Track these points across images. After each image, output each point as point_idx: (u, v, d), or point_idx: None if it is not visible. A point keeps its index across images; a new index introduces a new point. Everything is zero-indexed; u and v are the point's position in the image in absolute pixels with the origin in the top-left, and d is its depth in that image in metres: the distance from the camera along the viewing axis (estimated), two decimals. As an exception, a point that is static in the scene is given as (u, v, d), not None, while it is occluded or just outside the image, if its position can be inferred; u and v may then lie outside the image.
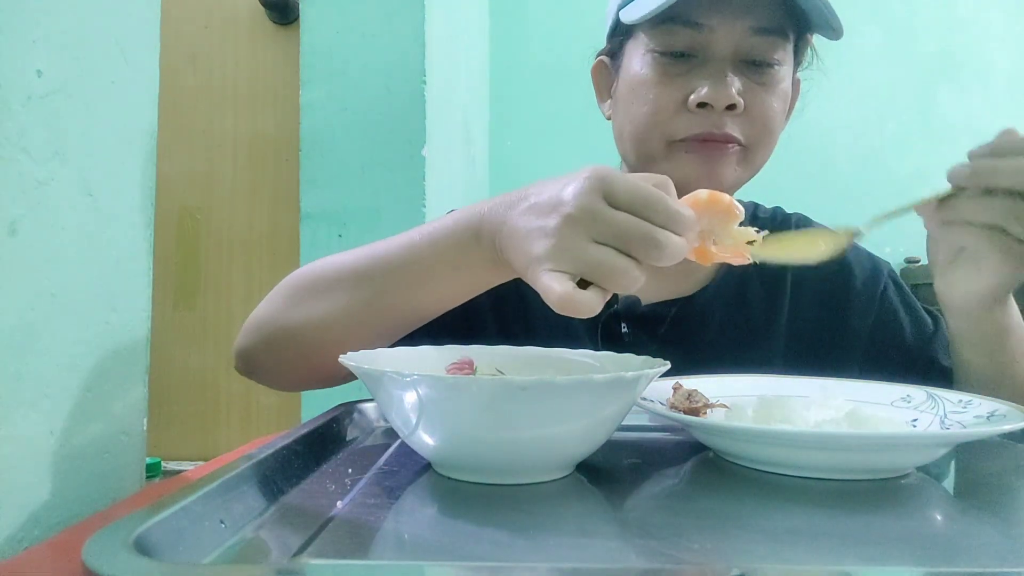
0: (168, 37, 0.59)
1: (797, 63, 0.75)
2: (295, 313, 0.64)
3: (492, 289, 0.70)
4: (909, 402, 0.54)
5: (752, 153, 0.70)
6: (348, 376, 0.66)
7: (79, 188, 0.46)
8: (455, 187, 1.68)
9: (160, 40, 0.56)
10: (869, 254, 0.82)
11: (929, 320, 0.78)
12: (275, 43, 1.56)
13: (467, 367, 0.54)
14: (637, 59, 0.71)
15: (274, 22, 1.55)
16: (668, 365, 0.46)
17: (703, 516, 0.38)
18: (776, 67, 0.69)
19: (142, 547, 0.28)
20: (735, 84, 0.66)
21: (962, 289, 0.61)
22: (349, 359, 0.45)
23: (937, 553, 0.33)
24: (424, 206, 1.33)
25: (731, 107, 0.66)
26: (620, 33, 0.75)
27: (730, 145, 0.68)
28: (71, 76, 0.45)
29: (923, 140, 2.36)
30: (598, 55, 0.80)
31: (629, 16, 0.69)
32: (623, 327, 0.75)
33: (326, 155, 1.36)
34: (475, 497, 0.40)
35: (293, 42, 1.47)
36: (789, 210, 0.87)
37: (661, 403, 0.52)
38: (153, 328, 0.55)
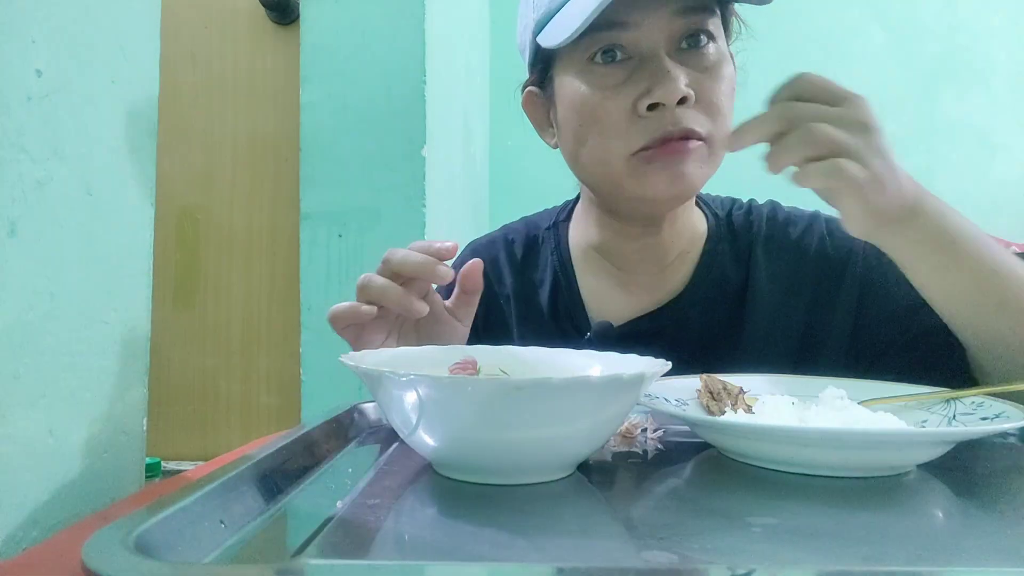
0: (168, 37, 0.59)
1: (728, 36, 0.71)
2: None
3: (481, 319, 0.77)
4: (923, 403, 0.54)
5: (714, 144, 0.66)
6: None
7: (79, 188, 0.46)
8: (455, 187, 1.68)
9: (160, 40, 0.56)
10: (845, 239, 0.75)
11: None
12: (275, 43, 1.56)
13: (470, 367, 0.54)
14: (570, 79, 0.67)
15: (274, 22, 1.55)
16: (669, 365, 0.46)
17: (704, 515, 0.38)
18: (712, 45, 0.66)
19: (142, 547, 0.28)
20: (681, 76, 0.62)
21: (849, 223, 0.56)
22: (349, 359, 0.45)
23: (938, 552, 0.32)
24: (424, 206, 1.34)
25: (683, 100, 0.62)
26: (542, 60, 0.71)
27: (691, 142, 0.64)
28: (71, 76, 0.45)
29: (924, 140, 2.36)
30: (524, 87, 0.76)
31: (551, 41, 0.65)
32: None
33: (326, 155, 1.36)
34: (475, 497, 0.40)
35: (293, 42, 1.47)
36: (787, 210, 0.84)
37: (665, 399, 0.53)
38: (153, 328, 0.55)
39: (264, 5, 1.53)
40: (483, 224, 2.00)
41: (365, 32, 1.35)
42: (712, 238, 0.78)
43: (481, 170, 2.11)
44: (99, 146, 0.48)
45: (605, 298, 0.77)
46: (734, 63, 0.72)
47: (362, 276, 0.59)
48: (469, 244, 0.88)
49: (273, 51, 1.55)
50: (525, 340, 0.75)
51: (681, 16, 0.64)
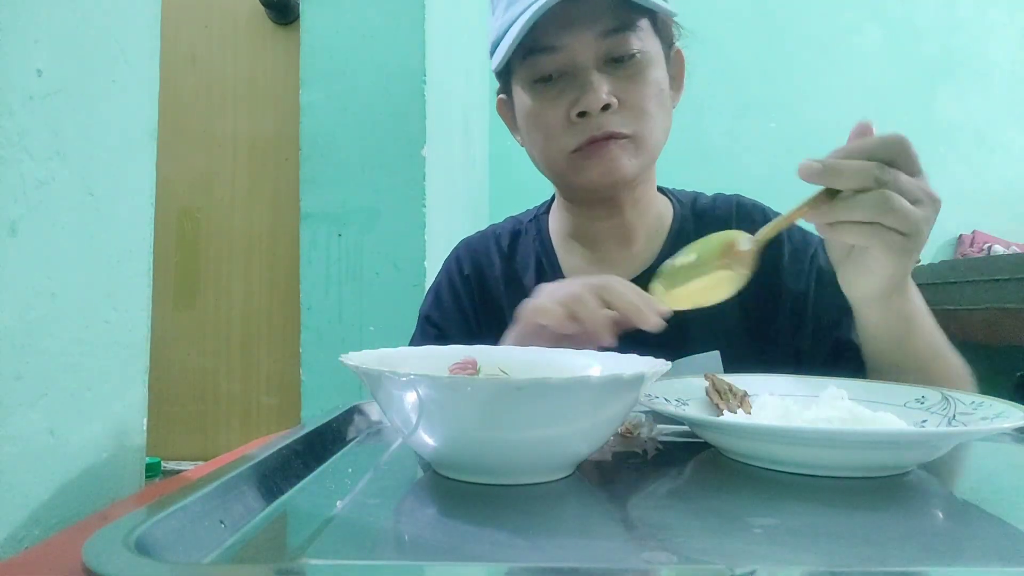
0: (168, 37, 0.59)
1: (667, 40, 0.80)
2: None
3: (478, 296, 0.88)
4: (923, 403, 0.54)
5: (641, 140, 0.75)
6: None
7: (79, 188, 0.46)
8: (455, 187, 1.68)
9: (160, 40, 0.56)
10: (801, 228, 0.85)
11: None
12: (275, 43, 1.56)
13: (470, 367, 0.55)
14: (520, 93, 0.80)
15: (274, 22, 1.55)
16: (669, 365, 0.46)
17: (704, 515, 0.38)
18: (638, 56, 0.74)
19: (142, 547, 0.28)
20: (603, 86, 0.72)
21: (859, 283, 0.62)
22: (349, 359, 0.45)
23: (938, 552, 0.33)
24: (424, 206, 1.34)
25: (606, 107, 0.72)
26: (503, 75, 0.83)
27: (612, 141, 0.74)
28: (71, 76, 0.45)
29: (923, 140, 2.36)
30: (498, 93, 0.88)
31: (494, 65, 0.78)
32: None
33: (326, 155, 1.36)
34: (475, 497, 0.40)
35: (293, 42, 1.47)
36: (784, 208, 0.89)
37: (665, 399, 0.53)
38: (153, 328, 0.55)
39: (264, 5, 1.53)
40: (483, 224, 2.00)
41: (365, 32, 1.35)
42: (677, 219, 0.86)
43: (481, 170, 2.11)
44: (99, 146, 0.48)
45: (584, 275, 0.83)
46: (682, 61, 0.82)
47: (578, 289, 0.60)
48: (461, 240, 0.96)
49: (273, 51, 1.55)
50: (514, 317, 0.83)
51: (604, 38, 0.73)
